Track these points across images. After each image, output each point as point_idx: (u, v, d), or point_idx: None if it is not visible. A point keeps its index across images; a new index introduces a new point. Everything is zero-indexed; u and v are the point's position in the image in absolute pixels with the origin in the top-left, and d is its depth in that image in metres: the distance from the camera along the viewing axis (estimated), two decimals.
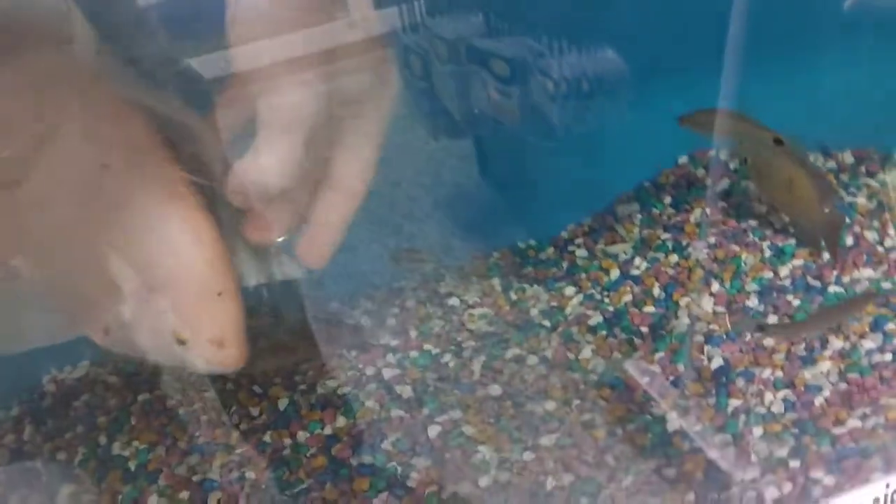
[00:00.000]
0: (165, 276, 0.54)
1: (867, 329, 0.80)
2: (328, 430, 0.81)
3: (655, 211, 1.06)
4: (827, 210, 0.88)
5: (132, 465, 0.79)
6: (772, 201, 0.95)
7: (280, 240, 0.64)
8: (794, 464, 0.69)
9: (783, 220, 0.97)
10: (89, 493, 0.78)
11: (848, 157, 1.07)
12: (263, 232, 0.60)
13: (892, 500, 0.62)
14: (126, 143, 0.53)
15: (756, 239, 0.96)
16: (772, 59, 1.00)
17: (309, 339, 0.90)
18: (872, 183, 1.03)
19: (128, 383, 0.89)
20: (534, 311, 0.96)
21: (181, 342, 0.55)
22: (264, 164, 0.55)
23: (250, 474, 0.77)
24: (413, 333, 0.94)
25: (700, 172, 1.09)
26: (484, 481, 0.74)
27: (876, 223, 0.95)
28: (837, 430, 0.72)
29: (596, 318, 0.92)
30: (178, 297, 0.54)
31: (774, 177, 0.92)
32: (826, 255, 0.90)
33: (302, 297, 0.92)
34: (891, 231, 0.93)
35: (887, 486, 0.61)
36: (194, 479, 0.77)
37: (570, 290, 0.97)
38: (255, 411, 0.83)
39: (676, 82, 1.06)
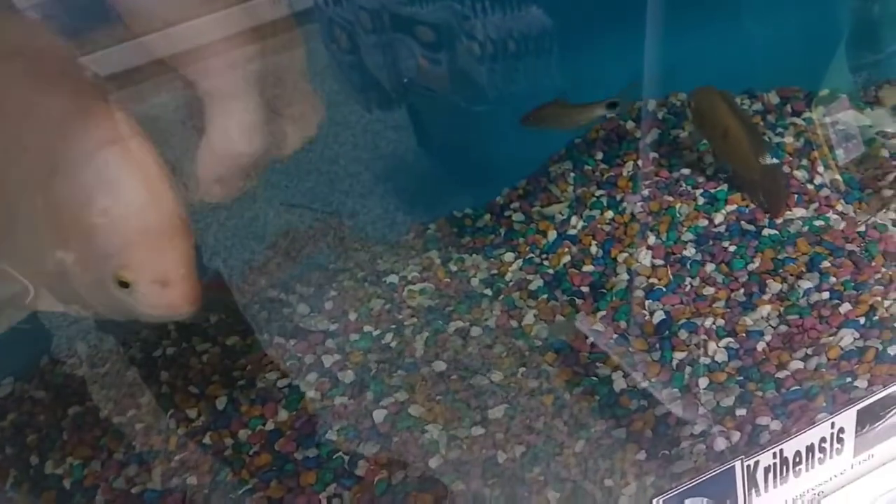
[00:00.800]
0: (104, 212, 0.50)
1: (804, 268, 0.80)
2: (270, 426, 0.78)
3: (588, 168, 1.04)
4: (763, 161, 0.87)
5: (67, 484, 0.75)
6: (716, 152, 0.94)
7: None
8: (741, 412, 0.68)
9: (714, 165, 0.96)
10: None
11: (774, 98, 1.07)
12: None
13: (838, 439, 0.61)
14: (66, 83, 0.50)
15: (689, 188, 0.95)
16: (694, 5, 0.99)
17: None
18: (799, 122, 1.03)
19: (57, 397, 0.85)
20: (474, 281, 0.93)
21: (123, 285, 0.51)
22: (234, 135, 0.53)
23: (192, 480, 0.73)
24: (352, 316, 0.91)
25: (630, 125, 1.08)
26: (434, 462, 0.71)
27: (805, 162, 0.95)
28: (781, 374, 0.71)
29: (536, 282, 0.90)
30: (118, 235, 0.50)
31: (712, 128, 0.91)
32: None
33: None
34: (820, 169, 0.93)
35: (832, 425, 0.60)
36: (134, 490, 0.74)
37: (509, 256, 0.95)
38: (192, 413, 0.80)
39: (601, 38, 1.04)
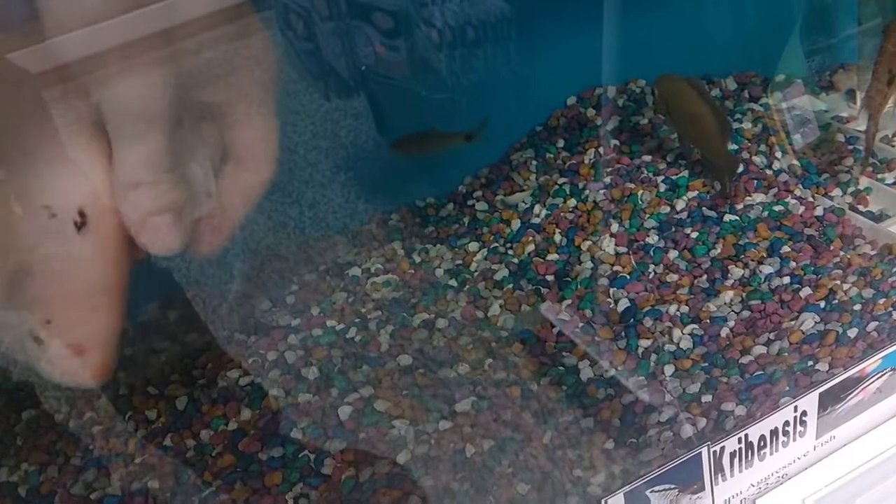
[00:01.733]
0: (36, 255, 0.46)
1: (764, 254, 0.81)
2: (233, 426, 0.76)
3: (550, 155, 1.04)
4: (728, 147, 0.88)
5: (23, 491, 0.73)
6: (683, 138, 0.94)
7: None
8: (707, 398, 0.69)
9: (676, 151, 0.97)
10: None
11: (731, 83, 1.08)
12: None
13: (801, 422, 0.62)
14: None
15: (650, 174, 0.95)
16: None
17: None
18: (756, 107, 1.04)
19: (9, 401, 0.82)
20: (439, 272, 0.93)
21: (37, 340, 0.48)
22: (129, 165, 0.48)
23: (153, 483, 0.71)
24: (315, 310, 0.89)
25: (590, 112, 1.08)
26: (402, 457, 0.71)
27: (763, 147, 0.95)
28: (745, 359, 0.72)
29: (501, 272, 0.89)
30: (42, 282, 0.47)
31: (680, 114, 0.91)
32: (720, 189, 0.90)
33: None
34: (778, 154, 0.94)
35: (795, 408, 0.61)
36: (93, 496, 0.72)
37: (473, 246, 0.95)
38: (152, 414, 0.78)
39: (559, 24, 1.04)
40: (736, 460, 0.61)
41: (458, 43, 0.97)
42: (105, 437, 0.76)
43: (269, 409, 0.77)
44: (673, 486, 0.59)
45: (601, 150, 1.02)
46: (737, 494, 0.63)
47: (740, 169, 0.88)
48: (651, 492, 0.59)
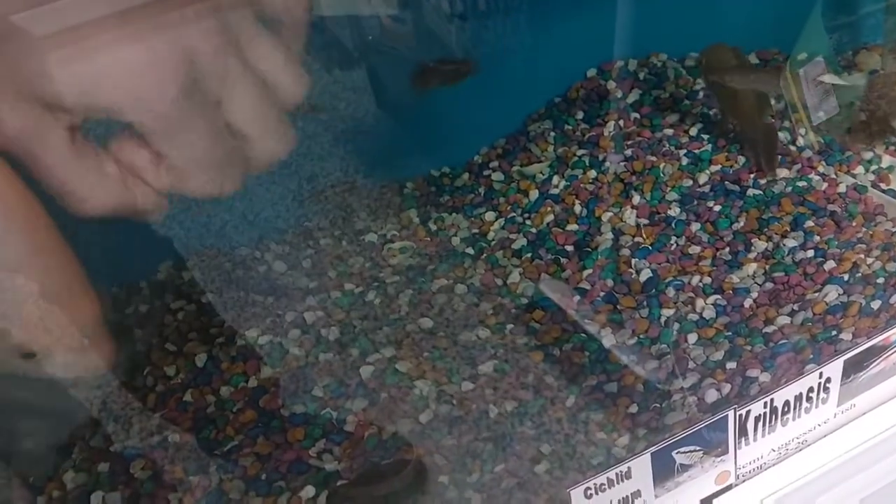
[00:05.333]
0: None
1: (788, 228, 0.84)
2: (253, 383, 0.78)
3: (568, 127, 1.06)
4: (764, 120, 0.90)
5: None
6: (724, 108, 0.97)
7: None
8: (731, 365, 0.71)
9: (697, 126, 0.99)
10: None
11: (753, 60, 1.10)
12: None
13: (824, 388, 0.65)
14: None
15: (672, 148, 0.97)
16: None
17: None
18: (779, 84, 1.06)
19: None
20: (455, 240, 0.95)
21: (28, 356, 0.50)
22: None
23: (174, 437, 0.74)
24: (331, 273, 0.91)
25: (610, 84, 1.10)
26: (424, 416, 0.73)
27: (787, 123, 0.98)
28: (768, 329, 0.75)
29: (520, 242, 0.92)
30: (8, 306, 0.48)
31: (722, 85, 0.94)
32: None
33: None
34: (801, 130, 0.96)
35: (820, 375, 0.64)
36: (112, 448, 0.74)
37: (490, 216, 0.97)
38: (170, 371, 0.80)
39: None
40: (760, 424, 0.63)
41: (468, 14, 0.98)
42: (123, 392, 0.78)
43: (289, 367, 0.79)
44: (698, 448, 0.62)
45: (621, 122, 1.05)
46: (757, 459, 0.66)
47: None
48: (677, 453, 0.61)
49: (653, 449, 0.60)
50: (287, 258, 0.95)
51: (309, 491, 0.67)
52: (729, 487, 0.66)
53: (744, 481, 0.66)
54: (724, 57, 0.91)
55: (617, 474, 0.60)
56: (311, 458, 0.70)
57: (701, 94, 1.05)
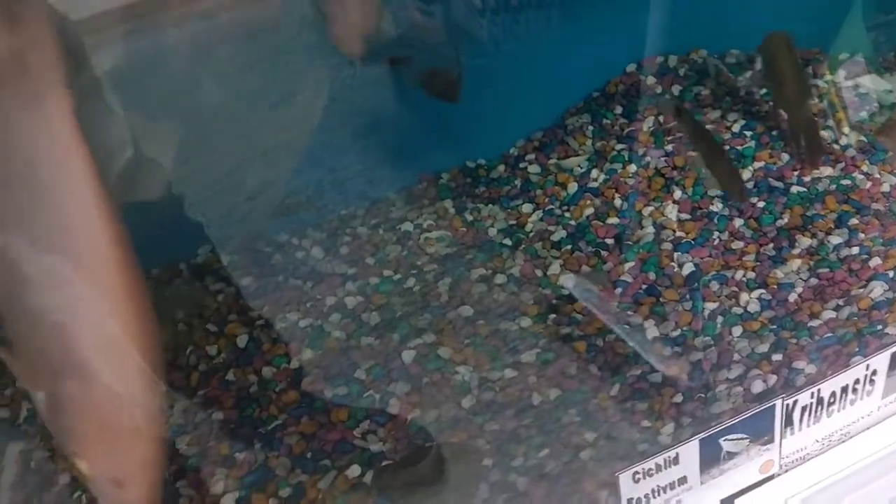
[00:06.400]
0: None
1: (833, 225, 0.86)
2: (295, 364, 0.82)
3: (607, 121, 1.09)
4: (805, 108, 0.93)
5: None
6: (774, 98, 1.00)
7: None
8: (777, 357, 0.74)
9: (741, 122, 1.02)
10: (41, 451, 0.76)
11: None
12: None
13: (870, 381, 0.68)
14: None
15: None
16: None
17: None
18: (821, 84, 1.09)
19: None
20: (492, 231, 0.97)
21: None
22: None
23: (218, 415, 0.77)
24: (370, 261, 0.94)
25: (650, 80, 1.12)
26: (467, 402, 0.76)
27: (830, 122, 1.01)
28: (814, 323, 0.77)
29: (559, 234, 0.94)
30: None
31: (774, 74, 0.97)
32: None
33: None
34: (845, 129, 0.99)
35: (867, 367, 0.67)
36: None
37: (527, 208, 0.99)
38: (212, 350, 0.83)
39: None
40: (806, 415, 0.66)
41: (500, 9, 1.01)
42: (166, 371, 0.81)
43: (330, 349, 0.82)
44: (745, 437, 0.65)
45: (661, 118, 1.07)
46: (801, 449, 0.69)
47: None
48: (724, 440, 0.64)
49: (702, 435, 0.62)
50: (324, 245, 0.98)
51: (354, 470, 0.70)
52: (771, 477, 0.69)
53: (786, 471, 0.69)
54: (780, 43, 0.94)
55: (665, 460, 0.63)
56: (356, 438, 0.73)
57: (743, 91, 1.08)
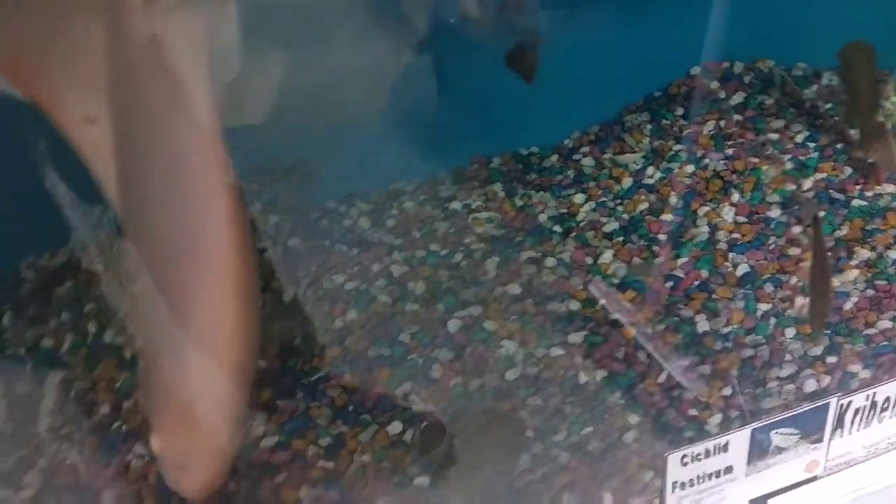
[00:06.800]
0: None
1: (892, 240, 0.86)
2: (339, 324, 0.82)
3: (666, 122, 1.09)
4: (875, 119, 0.94)
5: (128, 354, 0.79)
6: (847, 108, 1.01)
7: None
8: (831, 360, 0.74)
9: (804, 133, 1.02)
10: (82, 381, 0.77)
11: None
12: None
13: None
14: None
15: (776, 152, 1.00)
16: None
17: None
18: (887, 105, 1.09)
19: (116, 273, 0.88)
20: (542, 217, 0.98)
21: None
22: None
23: (261, 363, 0.77)
24: (416, 234, 0.95)
25: (714, 85, 1.13)
26: (511, 374, 0.77)
27: (894, 143, 1.01)
28: (869, 331, 0.77)
29: (611, 225, 0.95)
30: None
31: (849, 83, 0.98)
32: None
33: None
34: None
35: None
36: None
37: (579, 198, 1.00)
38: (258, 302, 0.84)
39: None
40: (858, 418, 0.66)
41: (560, 2, 1.02)
42: None
43: (375, 312, 0.83)
44: (796, 432, 0.65)
45: (722, 123, 1.08)
46: (847, 453, 0.68)
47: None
48: (775, 433, 0.64)
49: (754, 425, 0.62)
50: (371, 216, 0.99)
51: (396, 426, 0.71)
52: (814, 479, 0.69)
53: (829, 474, 0.69)
54: (861, 52, 0.94)
55: (715, 446, 0.63)
56: (398, 398, 0.74)
57: (808, 104, 1.08)
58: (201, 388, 0.53)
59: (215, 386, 0.53)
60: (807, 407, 0.64)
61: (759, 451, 0.64)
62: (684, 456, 0.62)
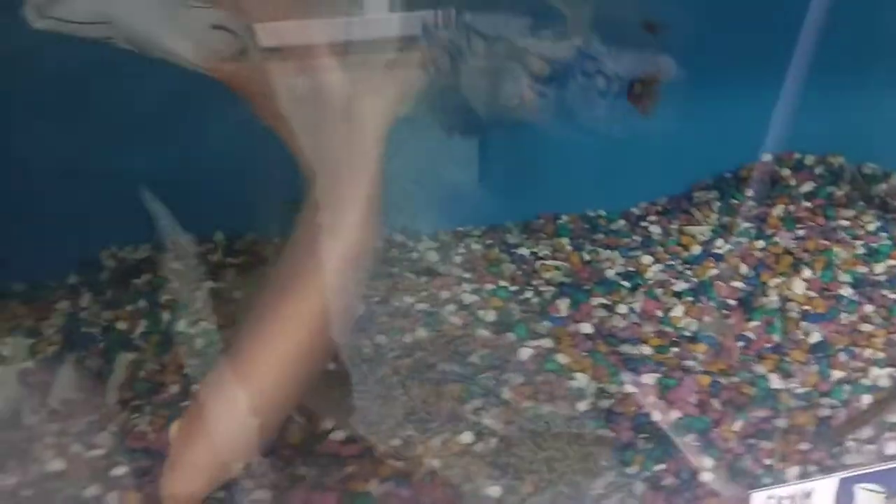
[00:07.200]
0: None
1: None
2: (409, 338, 0.83)
3: (735, 201, 1.12)
4: None
5: (199, 343, 0.80)
6: None
7: None
8: None
9: (875, 223, 1.04)
10: (152, 363, 0.78)
11: None
12: None
13: None
14: None
15: (848, 237, 1.02)
16: (854, 71, 1.08)
17: None
18: None
19: (192, 271, 0.90)
20: (610, 273, 0.99)
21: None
22: None
23: (332, 365, 0.77)
24: (484, 271, 0.96)
25: (784, 172, 1.16)
26: (582, 405, 0.76)
27: None
28: None
29: (680, 286, 0.96)
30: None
31: None
32: None
33: None
34: None
35: None
36: None
37: (646, 259, 1.01)
38: None
39: (760, 79, 1.13)
40: None
41: (619, 95, 1.06)
42: None
43: (445, 333, 0.83)
44: (882, 490, 0.64)
45: (792, 207, 1.10)
46: None
47: None
48: (859, 487, 0.64)
49: (843, 474, 0.62)
50: (439, 251, 1.00)
51: (467, 437, 0.70)
52: None
53: None
54: None
55: (801, 491, 0.62)
56: (468, 413, 0.73)
57: (877, 200, 1.11)
58: (240, 403, 0.55)
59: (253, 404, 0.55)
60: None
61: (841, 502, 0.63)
62: (770, 497, 0.62)
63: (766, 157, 1.19)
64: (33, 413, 0.70)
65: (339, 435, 0.70)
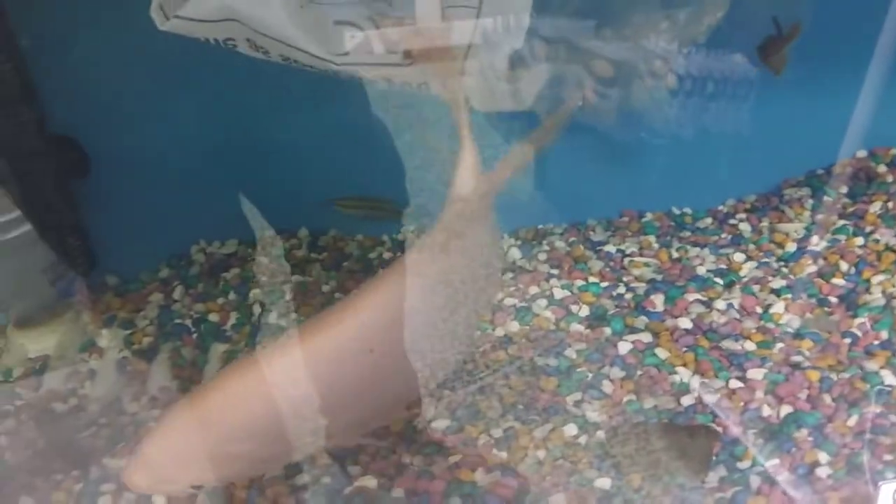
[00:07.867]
0: None
1: None
2: (500, 332, 0.82)
3: (828, 199, 1.09)
4: None
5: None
6: None
7: None
8: None
9: None
10: (245, 354, 0.79)
11: None
12: None
13: None
14: None
15: None
16: None
17: None
18: None
19: (281, 265, 0.91)
20: (701, 270, 0.98)
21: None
22: None
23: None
24: (571, 268, 0.96)
25: (881, 168, 1.13)
26: (686, 400, 0.75)
27: None
28: None
29: (778, 283, 0.94)
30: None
31: None
32: None
33: None
34: None
35: None
36: None
37: (739, 257, 1.00)
38: None
39: (853, 75, 1.11)
40: None
41: (695, 93, 1.04)
42: None
43: (538, 327, 0.83)
44: None
45: (890, 204, 1.07)
46: None
47: None
48: None
49: None
50: (522, 249, 1.00)
51: (571, 429, 0.70)
52: None
53: None
54: None
55: None
56: (569, 405, 0.73)
57: None
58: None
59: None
60: None
61: None
62: None
63: (861, 153, 1.17)
64: (134, 400, 0.71)
65: (441, 424, 0.70)
